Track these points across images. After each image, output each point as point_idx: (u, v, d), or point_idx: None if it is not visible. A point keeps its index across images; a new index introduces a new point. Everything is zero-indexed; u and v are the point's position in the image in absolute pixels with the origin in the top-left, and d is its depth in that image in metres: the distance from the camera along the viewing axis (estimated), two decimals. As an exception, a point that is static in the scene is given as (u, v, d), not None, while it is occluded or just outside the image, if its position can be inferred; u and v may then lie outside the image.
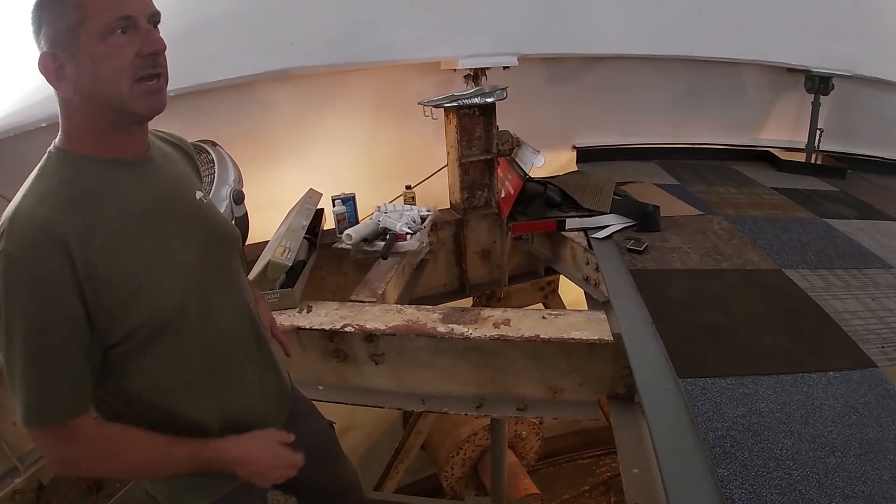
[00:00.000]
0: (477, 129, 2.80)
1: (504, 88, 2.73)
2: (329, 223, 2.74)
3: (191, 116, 2.56)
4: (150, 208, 0.98)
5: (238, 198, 2.24)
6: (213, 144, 2.45)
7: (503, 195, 2.90)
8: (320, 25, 2.69)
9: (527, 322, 1.83)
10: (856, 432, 1.30)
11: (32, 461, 1.98)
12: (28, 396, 0.87)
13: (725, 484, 1.15)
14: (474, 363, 1.90)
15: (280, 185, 2.91)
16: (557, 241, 2.73)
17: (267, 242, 2.30)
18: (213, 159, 2.30)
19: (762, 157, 3.83)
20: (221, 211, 2.01)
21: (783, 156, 3.74)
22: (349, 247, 2.42)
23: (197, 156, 1.28)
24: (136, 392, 1.01)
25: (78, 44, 0.86)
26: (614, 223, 2.48)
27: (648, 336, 1.68)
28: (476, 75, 2.94)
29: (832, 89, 3.55)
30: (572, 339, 1.74)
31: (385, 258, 2.35)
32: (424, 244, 2.51)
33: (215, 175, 2.24)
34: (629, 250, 2.24)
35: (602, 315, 1.87)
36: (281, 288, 2.02)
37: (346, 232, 2.42)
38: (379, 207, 2.76)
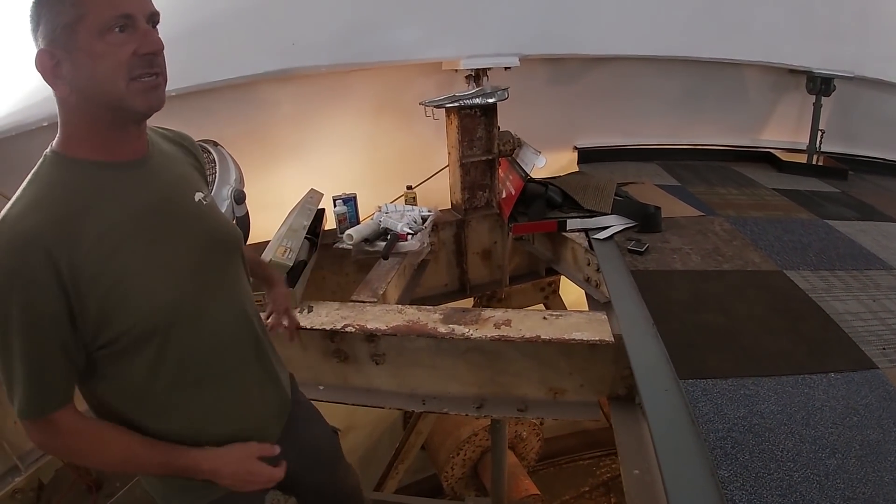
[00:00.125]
0: (478, 130, 2.80)
1: (505, 89, 2.73)
2: (330, 223, 2.74)
3: (192, 116, 2.56)
4: (142, 212, 0.97)
5: (239, 198, 2.24)
6: (215, 144, 2.44)
7: (504, 196, 2.90)
8: (322, 25, 2.69)
9: (528, 323, 1.83)
10: (857, 434, 1.30)
11: (33, 460, 1.99)
12: (17, 394, 0.90)
13: (726, 485, 1.15)
14: (475, 364, 1.90)
15: (281, 184, 2.91)
16: (558, 242, 2.73)
17: (268, 242, 2.29)
18: (214, 159, 2.29)
19: (763, 159, 3.83)
20: (223, 211, 2.01)
21: (784, 157, 3.74)
22: (350, 247, 2.42)
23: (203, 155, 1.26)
24: (123, 393, 1.01)
25: (76, 41, 0.86)
26: (615, 224, 2.48)
27: (649, 337, 1.68)
28: (477, 76, 2.94)
29: (834, 90, 3.55)
30: (573, 339, 1.74)
31: (386, 258, 2.35)
32: (425, 244, 2.51)
33: (216, 175, 2.24)
34: (630, 251, 2.24)
35: (603, 316, 1.87)
36: (282, 288, 2.02)
37: (347, 232, 2.43)
38: (380, 208, 2.76)
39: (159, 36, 0.94)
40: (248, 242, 2.34)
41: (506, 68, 2.98)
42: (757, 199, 3.01)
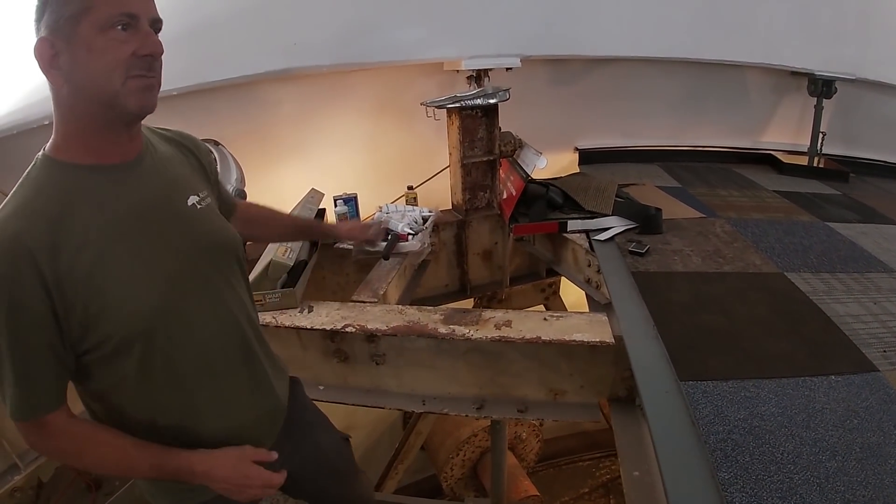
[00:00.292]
0: (479, 131, 2.80)
1: (507, 90, 2.73)
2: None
3: (194, 115, 2.56)
4: (128, 217, 0.96)
5: (240, 197, 2.24)
6: (216, 144, 2.45)
7: (505, 196, 2.90)
8: (323, 25, 2.69)
9: (528, 324, 1.83)
10: (857, 436, 1.30)
11: (32, 459, 1.99)
12: (3, 393, 0.91)
13: (726, 487, 1.15)
14: (475, 364, 1.90)
15: (282, 184, 2.91)
16: (559, 243, 2.73)
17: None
18: (215, 158, 2.30)
19: (764, 160, 3.83)
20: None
21: (786, 159, 3.74)
22: (351, 247, 2.41)
23: (207, 153, 1.24)
24: (114, 396, 1.02)
25: (78, 34, 0.87)
26: (616, 225, 2.48)
27: (650, 339, 1.68)
28: (479, 76, 2.94)
29: (835, 92, 3.55)
30: (573, 341, 1.74)
31: (386, 259, 2.35)
32: (426, 245, 2.51)
33: (217, 174, 2.24)
34: (631, 252, 2.24)
35: (603, 317, 1.87)
36: (282, 288, 2.02)
37: (348, 232, 2.42)
38: (381, 208, 2.76)
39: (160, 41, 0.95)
40: (248, 242, 2.34)
41: (507, 69, 2.98)
42: (758, 200, 3.01)
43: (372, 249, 2.40)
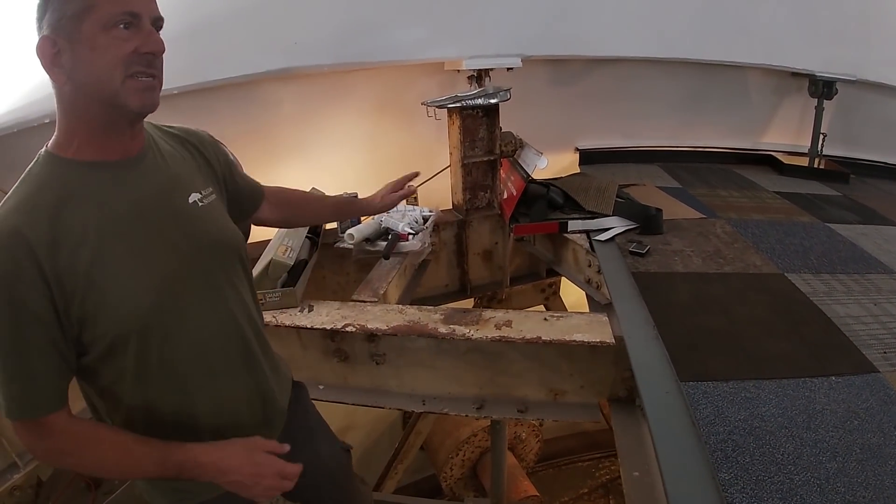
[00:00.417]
0: (480, 130, 2.80)
1: (507, 90, 2.73)
2: (331, 223, 2.74)
3: (194, 114, 2.56)
4: (128, 214, 0.97)
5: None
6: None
7: (505, 196, 2.90)
8: (324, 25, 2.69)
9: (528, 324, 1.83)
10: (857, 438, 1.30)
11: (31, 457, 1.98)
12: (2, 393, 0.90)
13: (727, 488, 1.15)
14: (475, 364, 1.90)
15: (282, 183, 2.87)
16: (559, 243, 2.73)
17: (269, 241, 2.29)
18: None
19: (765, 161, 3.83)
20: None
21: (786, 160, 3.74)
22: (351, 246, 2.42)
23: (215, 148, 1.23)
24: (108, 398, 1.02)
25: (80, 31, 0.87)
26: (617, 225, 2.48)
27: (650, 339, 1.68)
28: (479, 76, 2.94)
29: (836, 94, 3.54)
30: (574, 341, 1.74)
31: (387, 258, 2.35)
32: (426, 245, 2.51)
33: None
34: (631, 253, 2.24)
35: (604, 317, 1.87)
36: (282, 287, 2.02)
37: (348, 231, 2.43)
38: (381, 207, 2.76)
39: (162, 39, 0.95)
40: (248, 241, 2.34)
41: (508, 69, 2.97)
42: (758, 201, 3.01)
43: (372, 249, 2.41)
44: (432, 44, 2.90)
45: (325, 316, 1.96)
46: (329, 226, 2.74)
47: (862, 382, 1.49)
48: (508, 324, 1.83)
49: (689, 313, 1.82)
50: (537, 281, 3.36)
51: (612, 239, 2.40)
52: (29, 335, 0.88)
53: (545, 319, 1.86)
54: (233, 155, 1.39)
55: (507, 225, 2.84)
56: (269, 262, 1.99)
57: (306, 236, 2.26)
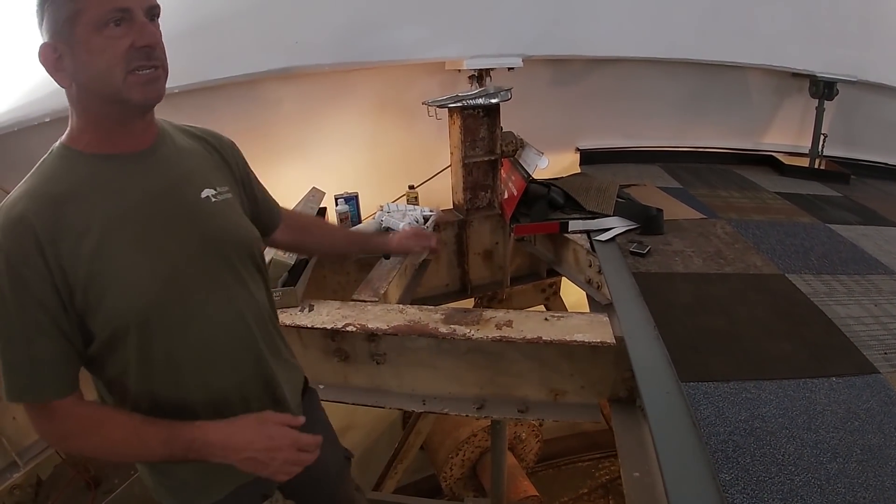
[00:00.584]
0: (481, 130, 2.80)
1: (508, 89, 2.73)
2: (332, 222, 2.74)
3: (195, 113, 2.56)
4: (136, 205, 0.96)
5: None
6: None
7: (506, 196, 2.90)
8: (325, 24, 2.69)
9: (529, 324, 1.83)
10: (858, 438, 1.30)
11: (32, 456, 1.98)
12: (6, 375, 0.91)
13: (727, 489, 1.15)
14: (476, 364, 1.90)
15: (283, 183, 2.90)
16: (560, 243, 2.73)
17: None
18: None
19: (766, 162, 3.82)
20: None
21: (787, 160, 3.73)
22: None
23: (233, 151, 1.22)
24: (114, 391, 1.02)
25: (75, 35, 0.88)
26: (617, 226, 2.48)
27: (651, 339, 1.67)
28: (480, 76, 2.94)
29: (836, 94, 3.54)
30: (574, 341, 1.73)
31: (387, 258, 2.35)
32: (427, 244, 2.51)
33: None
34: (632, 253, 2.24)
35: (604, 318, 1.86)
36: (283, 286, 2.02)
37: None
38: (382, 207, 2.76)
39: (159, 28, 0.95)
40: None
41: (509, 69, 2.98)
42: (759, 202, 3.01)
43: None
44: (433, 43, 2.90)
45: (326, 315, 1.95)
46: (329, 225, 2.74)
47: (862, 383, 1.49)
48: (509, 324, 1.83)
49: (689, 314, 1.82)
50: (538, 281, 3.36)
51: (612, 239, 2.40)
52: (34, 319, 0.88)
53: (546, 319, 1.86)
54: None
55: (507, 225, 2.84)
56: (270, 261, 1.99)
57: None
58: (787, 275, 2.09)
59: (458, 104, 2.66)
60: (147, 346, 0.97)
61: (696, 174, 3.50)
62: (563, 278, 3.04)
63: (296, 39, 2.63)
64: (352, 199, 2.74)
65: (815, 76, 3.54)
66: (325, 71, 2.82)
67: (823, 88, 3.52)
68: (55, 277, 0.88)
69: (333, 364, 2.00)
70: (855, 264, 2.22)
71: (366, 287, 2.18)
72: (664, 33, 3.38)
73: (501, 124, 2.82)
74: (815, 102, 3.57)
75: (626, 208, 2.57)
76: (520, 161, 2.81)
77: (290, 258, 2.02)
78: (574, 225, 2.55)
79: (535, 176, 2.69)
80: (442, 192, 3.04)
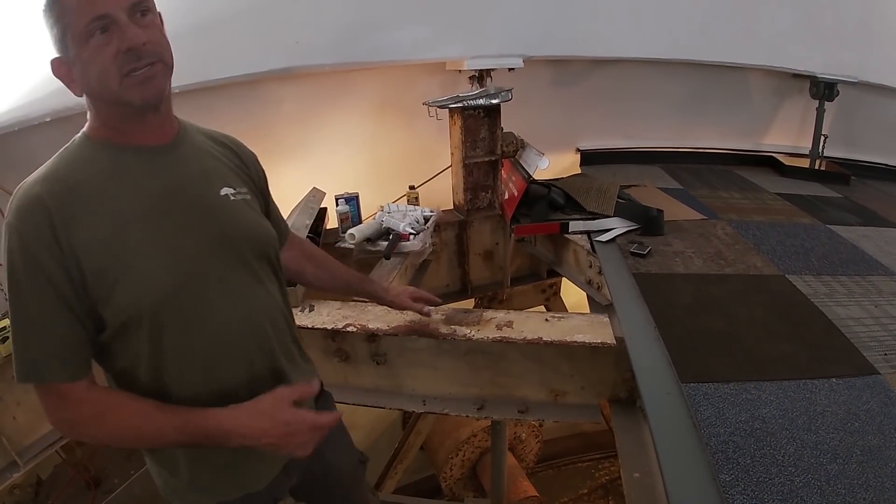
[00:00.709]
0: (481, 131, 2.80)
1: (509, 90, 2.73)
2: (332, 222, 2.74)
3: (195, 113, 2.51)
4: (154, 196, 0.96)
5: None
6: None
7: (507, 197, 2.90)
8: (326, 24, 2.69)
9: (529, 324, 1.83)
10: (858, 439, 1.30)
11: (32, 456, 1.98)
12: (16, 354, 0.90)
13: (727, 489, 1.15)
14: (476, 365, 1.90)
15: (284, 183, 2.90)
16: (560, 244, 2.73)
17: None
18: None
19: (766, 163, 3.83)
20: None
21: (787, 161, 3.74)
22: (352, 246, 2.42)
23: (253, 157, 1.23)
24: (121, 386, 1.00)
25: (69, 49, 0.90)
26: (618, 226, 2.48)
27: (651, 340, 1.68)
28: (481, 76, 2.94)
29: (837, 95, 3.55)
30: (575, 342, 1.73)
31: (388, 258, 2.35)
32: (427, 245, 2.51)
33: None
34: (632, 254, 2.24)
35: (605, 318, 1.86)
36: (283, 286, 2.02)
37: (350, 231, 2.43)
38: (382, 207, 2.76)
39: (155, 21, 0.95)
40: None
41: (509, 69, 2.98)
42: (759, 203, 3.01)
43: (373, 249, 2.40)
44: (434, 44, 2.90)
45: (326, 316, 1.96)
46: (330, 225, 2.74)
47: (862, 384, 1.49)
48: (509, 324, 1.83)
49: (690, 314, 1.82)
50: (538, 281, 3.36)
51: (613, 240, 2.40)
52: (47, 299, 0.88)
53: (546, 320, 1.86)
54: None
55: (508, 225, 2.85)
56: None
57: (307, 236, 2.25)
58: (787, 276, 2.09)
59: (459, 104, 2.66)
60: (158, 338, 0.96)
61: (696, 175, 3.51)
62: (564, 279, 3.04)
63: (296, 39, 2.63)
64: (352, 200, 2.74)
65: (816, 77, 3.54)
66: (326, 71, 2.82)
67: (824, 89, 3.53)
68: (68, 261, 0.88)
69: (334, 364, 2.00)
70: (855, 265, 2.22)
71: (366, 287, 2.18)
72: (665, 34, 3.38)
73: (502, 125, 2.82)
74: (816, 103, 3.58)
75: (626, 209, 2.57)
76: (520, 161, 2.81)
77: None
78: (574, 226, 2.55)
79: (536, 176, 2.70)
80: (442, 193, 3.04)
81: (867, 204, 3.08)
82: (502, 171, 2.93)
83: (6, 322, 1.83)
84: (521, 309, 3.12)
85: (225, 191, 1.07)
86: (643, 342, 1.67)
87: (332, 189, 2.80)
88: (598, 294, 2.38)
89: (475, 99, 2.68)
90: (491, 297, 3.19)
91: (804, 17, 3.56)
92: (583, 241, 2.50)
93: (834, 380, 1.51)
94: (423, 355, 1.92)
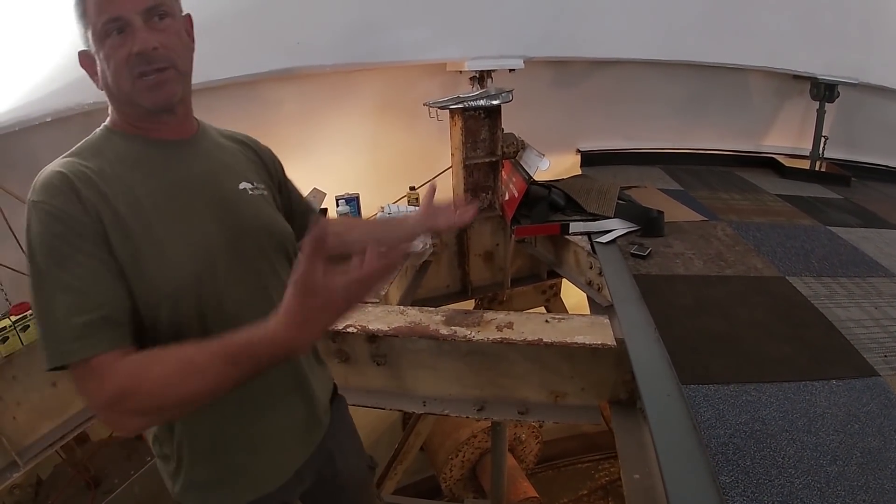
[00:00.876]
0: (482, 132, 2.80)
1: (509, 91, 2.73)
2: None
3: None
4: (175, 186, 0.97)
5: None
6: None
7: (507, 198, 2.90)
8: (327, 25, 2.69)
9: (530, 326, 1.83)
10: (858, 441, 1.30)
11: (31, 456, 1.98)
12: (58, 330, 0.82)
13: (727, 491, 1.15)
14: (476, 366, 1.90)
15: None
16: (561, 245, 2.73)
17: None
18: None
19: (766, 164, 3.83)
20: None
21: (787, 163, 3.74)
22: (352, 247, 2.41)
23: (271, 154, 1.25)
24: None
25: (92, 45, 0.92)
26: (618, 228, 2.48)
27: (651, 341, 1.68)
28: (482, 77, 2.94)
29: (837, 97, 3.55)
30: (575, 343, 1.74)
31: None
32: (427, 246, 2.51)
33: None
34: (633, 255, 2.24)
35: (605, 320, 1.86)
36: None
37: (350, 232, 2.42)
38: (382, 208, 2.76)
39: (172, 26, 0.96)
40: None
41: (510, 70, 2.98)
42: (760, 204, 3.01)
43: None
44: (435, 45, 2.90)
45: (326, 316, 1.95)
46: (330, 226, 2.74)
47: (862, 386, 1.49)
48: (510, 325, 1.83)
49: (690, 316, 1.82)
50: (538, 283, 3.37)
51: (613, 241, 2.40)
52: (86, 256, 0.84)
53: (546, 321, 1.86)
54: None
55: (508, 226, 2.85)
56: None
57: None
58: (787, 277, 2.09)
59: (460, 105, 2.66)
60: (176, 325, 0.93)
61: (696, 176, 3.51)
62: (564, 280, 3.04)
63: (297, 40, 2.63)
64: (352, 200, 2.75)
65: (817, 78, 3.54)
66: (327, 72, 2.82)
67: (824, 91, 3.53)
68: (97, 227, 0.86)
69: (334, 365, 2.00)
70: (855, 267, 2.22)
71: (366, 288, 2.17)
72: (665, 35, 3.38)
73: (502, 126, 2.82)
74: (816, 105, 3.58)
75: (626, 210, 2.57)
76: (521, 162, 2.81)
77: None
78: (575, 227, 2.55)
79: (536, 177, 2.70)
80: (443, 194, 3.02)
81: (867, 205, 3.08)
82: (503, 172, 2.93)
83: (6, 322, 1.85)
84: (522, 310, 3.13)
85: (243, 185, 1.08)
86: (643, 343, 1.67)
87: (332, 190, 2.80)
88: (598, 295, 2.38)
89: (476, 100, 2.69)
90: (491, 299, 3.19)
91: (805, 19, 3.56)
92: (583, 242, 2.50)
93: (834, 381, 1.51)
94: (424, 356, 1.92)
